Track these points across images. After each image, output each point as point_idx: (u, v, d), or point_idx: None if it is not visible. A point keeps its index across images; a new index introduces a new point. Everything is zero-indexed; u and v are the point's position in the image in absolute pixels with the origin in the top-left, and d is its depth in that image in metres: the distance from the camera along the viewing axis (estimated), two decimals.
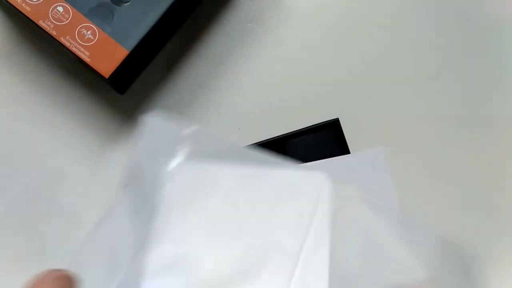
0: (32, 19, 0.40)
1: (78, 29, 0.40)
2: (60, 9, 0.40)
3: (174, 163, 0.31)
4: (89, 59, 0.40)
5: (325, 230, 0.32)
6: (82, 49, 0.40)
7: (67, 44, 0.40)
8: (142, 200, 0.32)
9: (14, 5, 0.40)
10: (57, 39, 0.40)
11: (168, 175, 0.31)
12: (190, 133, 0.31)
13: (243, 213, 0.32)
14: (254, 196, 0.32)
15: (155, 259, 0.31)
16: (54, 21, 0.40)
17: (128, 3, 0.41)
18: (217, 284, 0.30)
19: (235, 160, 0.32)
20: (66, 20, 0.40)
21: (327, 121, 0.41)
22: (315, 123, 0.41)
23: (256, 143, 0.40)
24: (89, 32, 0.40)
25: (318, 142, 0.40)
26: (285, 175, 0.33)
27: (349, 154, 0.40)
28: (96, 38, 0.40)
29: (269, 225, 0.32)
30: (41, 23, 0.40)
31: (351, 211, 0.33)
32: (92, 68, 0.40)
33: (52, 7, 0.40)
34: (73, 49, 0.40)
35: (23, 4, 0.40)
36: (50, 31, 0.40)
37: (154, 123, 0.31)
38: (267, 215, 0.32)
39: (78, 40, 0.40)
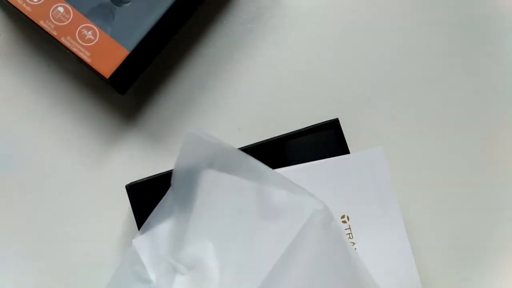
0: (33, 20, 0.40)
1: (79, 30, 0.40)
2: (61, 9, 0.40)
3: (207, 172, 0.37)
4: (90, 60, 0.40)
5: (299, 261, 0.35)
6: (82, 50, 0.40)
7: (67, 44, 0.40)
8: (182, 201, 0.38)
9: (15, 5, 0.40)
10: (58, 39, 0.40)
11: (202, 182, 0.37)
12: (220, 148, 0.37)
13: (241, 227, 0.37)
14: (250, 212, 0.37)
15: (185, 257, 0.37)
16: (54, 22, 0.40)
17: (129, 3, 0.41)
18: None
19: (251, 173, 0.37)
20: (67, 21, 0.40)
21: (327, 121, 0.41)
22: (315, 123, 0.41)
23: (256, 143, 0.40)
24: (89, 33, 0.40)
25: (318, 142, 0.40)
26: (282, 195, 0.37)
27: (349, 154, 0.40)
28: (97, 38, 0.40)
29: (254, 243, 0.36)
30: (41, 23, 0.40)
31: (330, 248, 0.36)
32: (93, 69, 0.40)
33: (53, 7, 0.40)
34: (74, 50, 0.40)
35: (24, 5, 0.40)
36: (51, 31, 0.40)
37: (194, 137, 0.37)
38: (255, 233, 0.36)
39: (79, 41, 0.40)
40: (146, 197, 0.39)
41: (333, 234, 0.36)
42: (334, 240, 0.36)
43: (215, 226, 0.37)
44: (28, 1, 0.40)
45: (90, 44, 0.40)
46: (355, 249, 0.39)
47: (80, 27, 0.40)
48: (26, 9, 0.40)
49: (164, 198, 0.38)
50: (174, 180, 0.38)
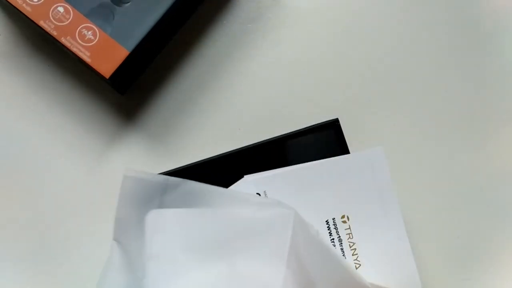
0: (33, 20, 0.40)
1: (79, 30, 0.40)
2: (61, 9, 0.40)
3: (157, 212, 0.34)
4: (90, 60, 0.40)
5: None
6: (82, 50, 0.40)
7: (67, 44, 0.40)
8: (134, 254, 0.34)
9: (15, 5, 0.40)
10: (58, 39, 0.40)
11: (154, 224, 0.33)
12: (166, 183, 0.34)
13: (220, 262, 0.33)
14: (229, 239, 0.34)
15: None
16: (54, 22, 0.40)
17: (129, 3, 0.41)
18: None
19: (208, 201, 0.34)
20: (67, 21, 0.40)
21: (326, 121, 0.41)
22: (314, 123, 0.41)
23: (256, 143, 0.40)
24: (89, 33, 0.40)
25: (318, 142, 0.40)
26: (254, 216, 0.34)
27: (349, 154, 0.40)
28: (97, 38, 0.40)
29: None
30: (41, 23, 0.40)
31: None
32: (93, 69, 0.40)
33: (53, 7, 0.40)
34: (74, 50, 0.40)
35: (24, 5, 0.40)
36: (51, 31, 0.40)
37: (132, 180, 0.34)
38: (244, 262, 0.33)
39: (79, 41, 0.40)
40: None
41: (311, 231, 0.35)
42: (315, 235, 0.35)
43: (184, 265, 0.33)
44: (28, 1, 0.40)
45: (90, 44, 0.40)
46: (355, 249, 0.39)
47: (80, 27, 0.40)
48: (26, 9, 0.40)
49: (109, 257, 0.34)
50: (118, 232, 0.34)
